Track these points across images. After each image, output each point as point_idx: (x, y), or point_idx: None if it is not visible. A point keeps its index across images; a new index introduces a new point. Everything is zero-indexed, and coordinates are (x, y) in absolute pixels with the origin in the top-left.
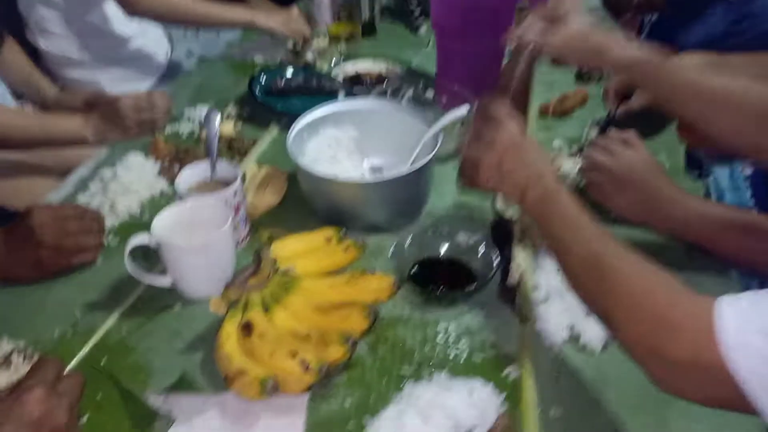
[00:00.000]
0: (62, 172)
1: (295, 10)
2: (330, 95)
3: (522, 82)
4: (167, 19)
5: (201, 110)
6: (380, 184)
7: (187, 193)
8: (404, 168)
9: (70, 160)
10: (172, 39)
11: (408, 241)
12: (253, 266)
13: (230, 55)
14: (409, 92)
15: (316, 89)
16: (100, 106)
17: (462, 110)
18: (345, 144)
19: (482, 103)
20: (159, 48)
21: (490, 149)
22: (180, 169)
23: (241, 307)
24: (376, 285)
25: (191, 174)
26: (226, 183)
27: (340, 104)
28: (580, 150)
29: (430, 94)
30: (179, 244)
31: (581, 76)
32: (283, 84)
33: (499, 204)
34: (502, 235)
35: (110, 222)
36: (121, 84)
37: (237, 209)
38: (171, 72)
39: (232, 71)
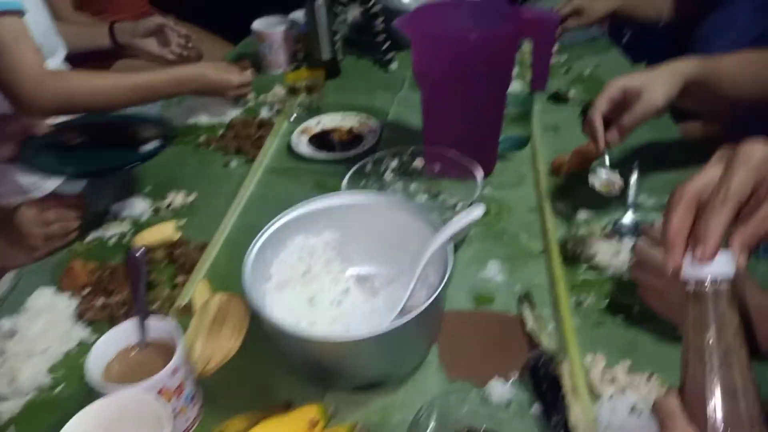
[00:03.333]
0: None
1: (231, 84)
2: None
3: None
4: (78, 110)
5: (132, 204)
6: (375, 338)
7: (105, 384)
8: (404, 288)
9: None
10: None
11: (424, 415)
12: None
13: None
14: (394, 163)
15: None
16: None
17: (477, 211)
18: (321, 252)
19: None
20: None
21: None
22: (104, 302)
23: None
24: None
25: (111, 342)
26: (163, 346)
27: (313, 204)
28: (617, 230)
29: (419, 161)
30: None
31: (587, 112)
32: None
33: (531, 324)
34: (544, 380)
35: (9, 407)
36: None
37: (180, 390)
38: None
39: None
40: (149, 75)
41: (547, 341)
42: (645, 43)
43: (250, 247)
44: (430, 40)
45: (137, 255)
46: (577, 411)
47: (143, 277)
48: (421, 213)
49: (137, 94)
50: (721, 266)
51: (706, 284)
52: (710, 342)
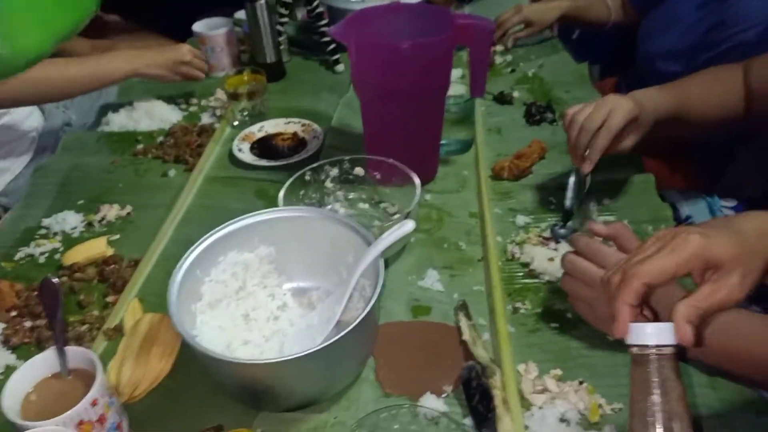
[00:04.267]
0: None
1: (184, 47)
2: None
3: None
4: (39, 98)
5: (64, 219)
6: (305, 358)
7: (18, 421)
8: (337, 307)
9: None
10: (44, 109)
11: None
12: None
13: (103, 127)
14: (334, 171)
15: None
16: None
17: (408, 225)
18: (257, 267)
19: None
20: (28, 122)
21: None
22: (32, 324)
23: None
24: None
25: (30, 372)
26: (85, 374)
27: (245, 219)
28: (554, 235)
29: (359, 170)
30: None
31: (531, 115)
32: None
33: (466, 336)
34: (476, 392)
35: None
36: None
37: (102, 420)
38: (39, 155)
39: (109, 148)
40: (102, 57)
41: (482, 351)
42: (594, 41)
43: (176, 269)
44: (364, 47)
45: (51, 283)
46: (506, 422)
47: (60, 306)
48: (355, 226)
49: (95, 78)
50: (664, 335)
51: (649, 350)
52: (654, 406)
